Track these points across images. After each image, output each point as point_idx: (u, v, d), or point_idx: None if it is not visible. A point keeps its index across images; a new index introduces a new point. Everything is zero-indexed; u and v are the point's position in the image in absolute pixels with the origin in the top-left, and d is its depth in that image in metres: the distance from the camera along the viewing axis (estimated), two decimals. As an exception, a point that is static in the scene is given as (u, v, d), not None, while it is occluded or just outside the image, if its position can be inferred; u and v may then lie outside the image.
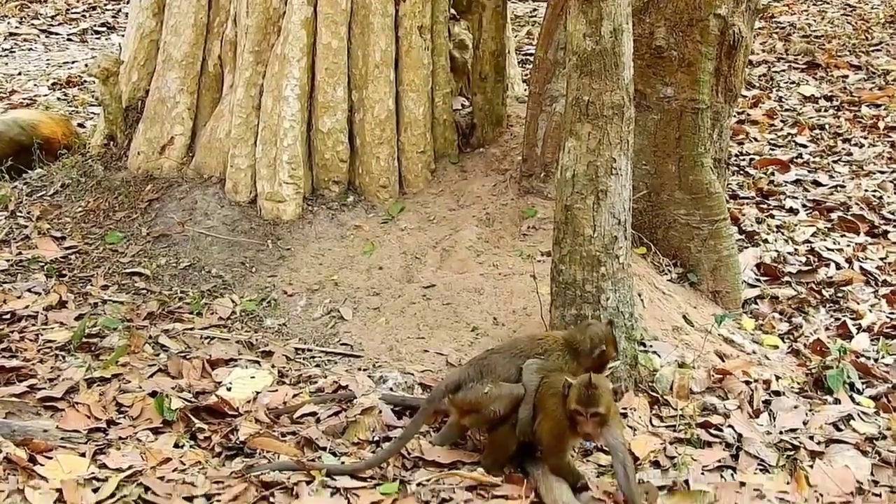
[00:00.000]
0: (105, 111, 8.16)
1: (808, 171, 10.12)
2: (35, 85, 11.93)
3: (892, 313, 7.54)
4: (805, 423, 6.01)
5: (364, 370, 6.27)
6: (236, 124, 7.49)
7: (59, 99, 11.36)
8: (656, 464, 5.53)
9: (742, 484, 5.38)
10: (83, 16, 15.26)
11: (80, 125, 9.93)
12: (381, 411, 5.72)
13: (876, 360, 6.88)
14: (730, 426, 5.87)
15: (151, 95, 7.95)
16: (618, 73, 5.76)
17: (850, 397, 6.38)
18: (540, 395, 5.38)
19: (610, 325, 5.74)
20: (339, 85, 7.43)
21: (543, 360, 5.50)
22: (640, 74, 6.78)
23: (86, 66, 12.38)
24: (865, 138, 10.91)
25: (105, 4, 15.73)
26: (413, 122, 7.60)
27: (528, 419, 5.37)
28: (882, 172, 10.06)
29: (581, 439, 5.35)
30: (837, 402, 6.30)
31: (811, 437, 5.86)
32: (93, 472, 5.13)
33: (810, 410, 6.16)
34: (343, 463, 5.36)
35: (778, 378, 6.47)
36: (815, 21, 14.96)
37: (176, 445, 5.47)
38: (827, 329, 7.31)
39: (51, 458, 5.21)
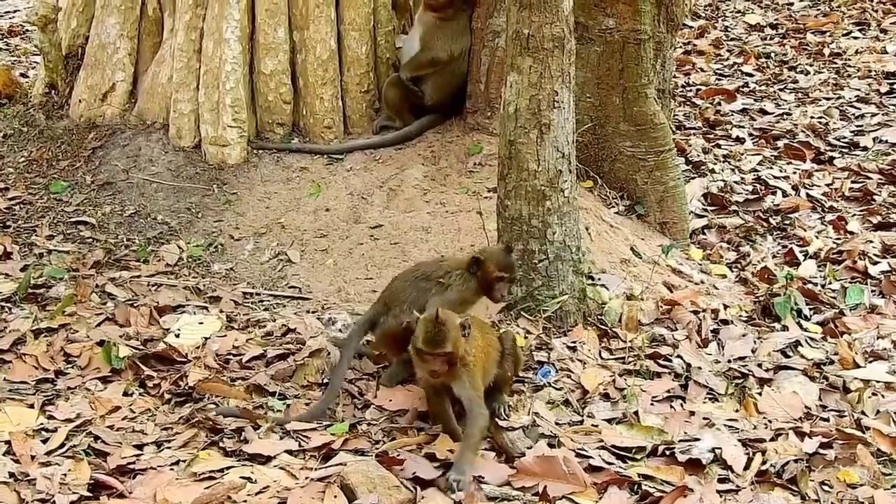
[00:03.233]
0: (45, 59, 8.04)
1: (755, 100, 10.17)
2: (-25, 35, 11.79)
3: (839, 239, 7.58)
4: (753, 351, 6.06)
5: (312, 312, 6.27)
6: (178, 69, 7.41)
7: (0, 49, 11.23)
8: (606, 396, 5.55)
9: (692, 413, 5.41)
10: (23, -37, 15.08)
11: (23, 75, 9.82)
12: (329, 353, 5.71)
13: (823, 287, 6.93)
14: (679, 356, 5.89)
15: (91, 42, 7.83)
16: (557, 5, 5.73)
17: (798, 324, 6.43)
18: None
19: (507, 248, 5.73)
20: (280, 26, 7.36)
21: (444, 284, 5.53)
22: (580, 6, 6.79)
23: (27, 15, 12.22)
24: (811, 65, 10.96)
25: (44, -49, 15.50)
26: (356, 62, 7.55)
27: None
28: (827, 99, 10.11)
29: (434, 378, 4.99)
30: (785, 328, 6.35)
31: (759, 365, 5.90)
32: (42, 423, 5.13)
33: (758, 338, 6.20)
34: (288, 406, 5.38)
35: (726, 307, 6.51)
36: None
37: (125, 394, 5.46)
38: (774, 257, 7.35)
39: (-1, 410, 5.20)
